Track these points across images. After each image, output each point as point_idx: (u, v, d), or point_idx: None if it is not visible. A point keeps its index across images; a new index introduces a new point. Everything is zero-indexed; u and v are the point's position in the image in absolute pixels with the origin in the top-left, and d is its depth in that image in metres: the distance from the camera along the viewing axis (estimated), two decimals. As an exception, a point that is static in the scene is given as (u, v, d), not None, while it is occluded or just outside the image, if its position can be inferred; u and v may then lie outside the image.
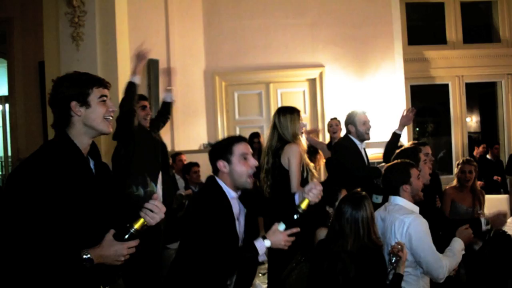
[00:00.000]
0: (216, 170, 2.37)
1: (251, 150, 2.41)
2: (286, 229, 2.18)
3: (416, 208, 2.88)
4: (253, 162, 2.34)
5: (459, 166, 4.48)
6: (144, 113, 4.07)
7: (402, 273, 2.51)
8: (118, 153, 3.95)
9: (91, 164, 1.93)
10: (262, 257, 2.18)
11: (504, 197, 6.06)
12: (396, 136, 4.21)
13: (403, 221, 2.73)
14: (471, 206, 4.35)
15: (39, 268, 1.66)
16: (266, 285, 3.66)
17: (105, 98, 1.88)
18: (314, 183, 2.29)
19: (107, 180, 1.99)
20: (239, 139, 2.39)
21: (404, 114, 4.28)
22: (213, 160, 2.38)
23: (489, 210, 5.43)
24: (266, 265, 3.69)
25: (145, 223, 1.76)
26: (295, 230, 2.18)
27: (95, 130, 1.87)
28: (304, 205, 2.17)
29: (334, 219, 2.66)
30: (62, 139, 1.85)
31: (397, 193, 2.88)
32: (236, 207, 2.37)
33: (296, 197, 2.40)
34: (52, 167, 1.74)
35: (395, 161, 3.04)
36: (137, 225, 1.75)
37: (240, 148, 2.34)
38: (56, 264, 1.67)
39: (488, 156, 7.30)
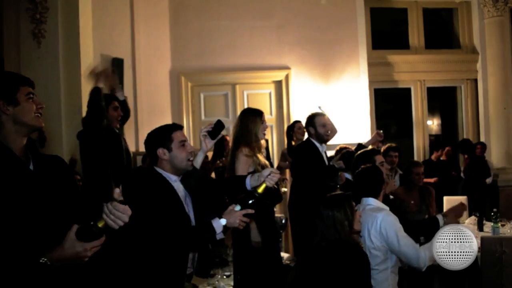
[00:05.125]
0: (154, 159, 2.44)
1: (186, 136, 2.54)
2: (241, 209, 2.30)
3: (386, 207, 3.04)
4: (190, 148, 2.46)
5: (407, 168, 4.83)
6: (116, 114, 3.98)
7: None
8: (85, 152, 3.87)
9: (31, 161, 1.85)
10: (219, 235, 2.29)
11: (462, 198, 6.24)
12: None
13: (375, 217, 2.89)
14: (418, 204, 4.66)
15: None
16: None
17: (32, 96, 1.85)
18: (273, 170, 2.46)
19: (54, 174, 1.90)
20: (176, 126, 2.50)
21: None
22: (152, 148, 2.44)
23: (448, 211, 5.60)
24: (231, 267, 3.68)
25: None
26: (250, 211, 2.31)
27: (28, 126, 1.82)
28: (260, 190, 2.31)
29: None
30: None
31: (376, 195, 3.04)
32: (181, 190, 2.45)
33: (247, 181, 2.51)
34: None
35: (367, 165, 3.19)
36: (100, 224, 1.66)
37: (178, 136, 2.44)
38: (13, 270, 1.61)
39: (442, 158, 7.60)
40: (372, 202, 3.04)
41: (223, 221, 2.27)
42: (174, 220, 2.30)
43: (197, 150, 2.90)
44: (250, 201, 2.29)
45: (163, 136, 2.43)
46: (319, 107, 5.37)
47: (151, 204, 2.27)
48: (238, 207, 2.29)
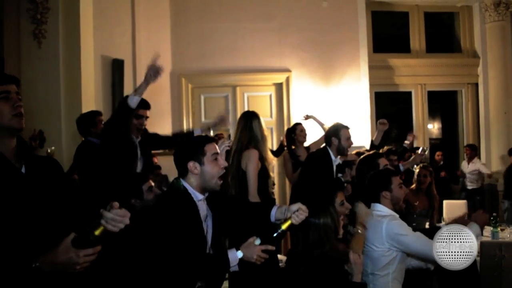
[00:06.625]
0: (184, 172, 2.30)
1: (218, 150, 2.39)
2: (261, 244, 2.16)
3: (393, 213, 2.97)
4: (222, 162, 2.32)
5: (417, 171, 4.82)
6: (137, 123, 3.64)
7: (360, 281, 2.53)
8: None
9: (23, 163, 1.80)
10: (234, 268, 2.16)
11: (462, 202, 6.23)
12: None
13: (381, 223, 2.84)
14: (425, 209, 4.63)
15: None
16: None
17: (6, 95, 1.73)
18: (301, 206, 2.26)
19: (47, 176, 1.85)
20: (209, 139, 2.36)
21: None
22: (182, 161, 2.29)
23: (448, 215, 5.60)
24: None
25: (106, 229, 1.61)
26: (270, 247, 2.16)
27: (5, 129, 1.73)
28: (285, 226, 2.16)
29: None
30: None
31: (377, 200, 2.98)
32: (204, 209, 2.32)
33: (273, 212, 2.36)
34: None
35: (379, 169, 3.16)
36: (97, 232, 1.58)
37: (211, 148, 2.29)
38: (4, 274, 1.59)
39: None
40: (379, 208, 2.97)
41: (239, 254, 2.14)
42: (189, 246, 2.17)
43: None
44: (273, 235, 2.15)
45: (195, 149, 2.29)
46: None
47: (170, 227, 2.16)
48: (258, 241, 2.16)
